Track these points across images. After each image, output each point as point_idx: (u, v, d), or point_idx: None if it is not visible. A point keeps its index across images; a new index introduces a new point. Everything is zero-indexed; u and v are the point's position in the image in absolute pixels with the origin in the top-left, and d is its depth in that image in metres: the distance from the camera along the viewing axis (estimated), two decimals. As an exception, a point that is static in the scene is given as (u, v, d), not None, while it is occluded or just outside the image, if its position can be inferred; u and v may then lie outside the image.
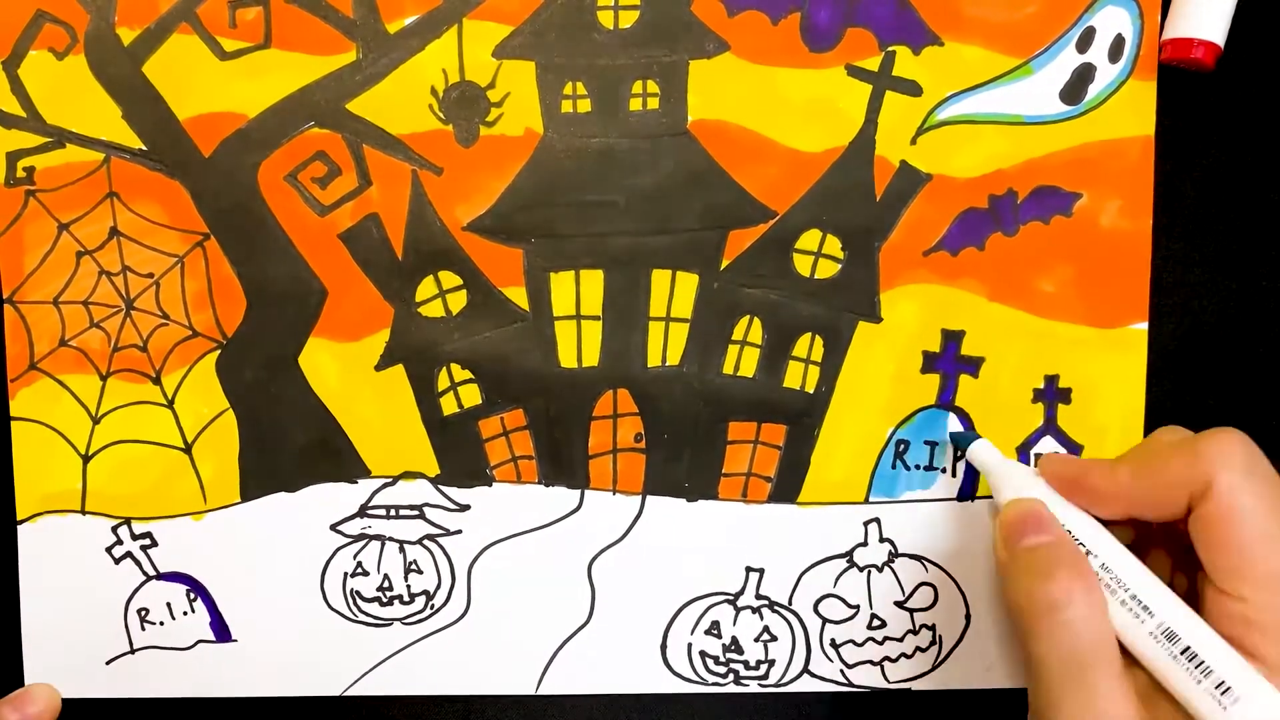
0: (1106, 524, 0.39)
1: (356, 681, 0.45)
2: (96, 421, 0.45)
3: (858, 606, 0.45)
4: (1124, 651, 0.37)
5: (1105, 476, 0.38)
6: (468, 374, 0.45)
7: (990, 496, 0.44)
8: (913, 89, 0.44)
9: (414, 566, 0.45)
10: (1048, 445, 0.45)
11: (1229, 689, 0.34)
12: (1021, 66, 0.44)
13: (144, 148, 0.44)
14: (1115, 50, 0.43)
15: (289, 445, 0.45)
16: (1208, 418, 0.45)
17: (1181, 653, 0.35)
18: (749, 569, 0.45)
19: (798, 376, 0.45)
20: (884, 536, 0.45)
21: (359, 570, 0.45)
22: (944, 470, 0.45)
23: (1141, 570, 0.37)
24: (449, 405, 0.45)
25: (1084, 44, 0.43)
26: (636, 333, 0.45)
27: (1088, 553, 0.38)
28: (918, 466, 0.45)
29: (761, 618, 0.45)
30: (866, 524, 0.45)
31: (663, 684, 0.46)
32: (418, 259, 0.44)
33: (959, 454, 0.44)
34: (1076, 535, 0.38)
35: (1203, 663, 0.35)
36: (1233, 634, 0.35)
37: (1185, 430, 0.39)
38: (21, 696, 0.43)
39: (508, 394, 0.45)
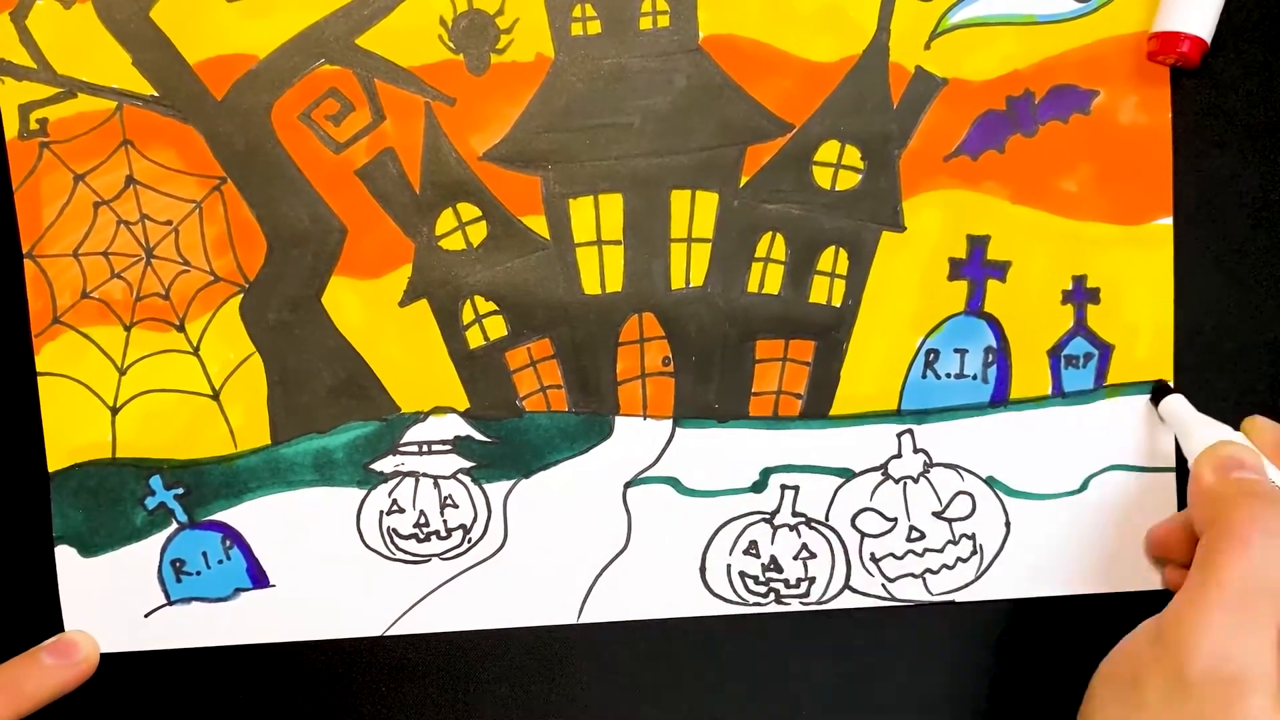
0: None
1: (398, 620, 0.45)
2: (123, 373, 0.44)
3: (895, 519, 0.45)
4: None
5: None
6: (492, 305, 0.44)
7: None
8: (923, -7, 0.43)
9: (449, 501, 0.45)
10: (1079, 347, 0.44)
11: None
12: (1031, -36, 0.43)
13: (156, 94, 0.44)
14: (1124, -57, 0.43)
15: (317, 386, 0.44)
16: (1234, 314, 0.44)
17: None
18: (784, 487, 0.45)
19: (823, 291, 0.45)
20: (918, 447, 0.45)
21: (395, 508, 0.45)
22: (975, 377, 0.45)
23: None
24: (475, 338, 0.45)
25: (1093, -61, 0.43)
26: (659, 255, 0.44)
27: None
28: (949, 375, 0.45)
29: (799, 535, 0.45)
30: (900, 435, 0.45)
31: (704, 606, 0.45)
32: (435, 192, 0.44)
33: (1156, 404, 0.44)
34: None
35: None
36: None
37: None
38: (60, 643, 0.43)
39: (533, 324, 0.44)
